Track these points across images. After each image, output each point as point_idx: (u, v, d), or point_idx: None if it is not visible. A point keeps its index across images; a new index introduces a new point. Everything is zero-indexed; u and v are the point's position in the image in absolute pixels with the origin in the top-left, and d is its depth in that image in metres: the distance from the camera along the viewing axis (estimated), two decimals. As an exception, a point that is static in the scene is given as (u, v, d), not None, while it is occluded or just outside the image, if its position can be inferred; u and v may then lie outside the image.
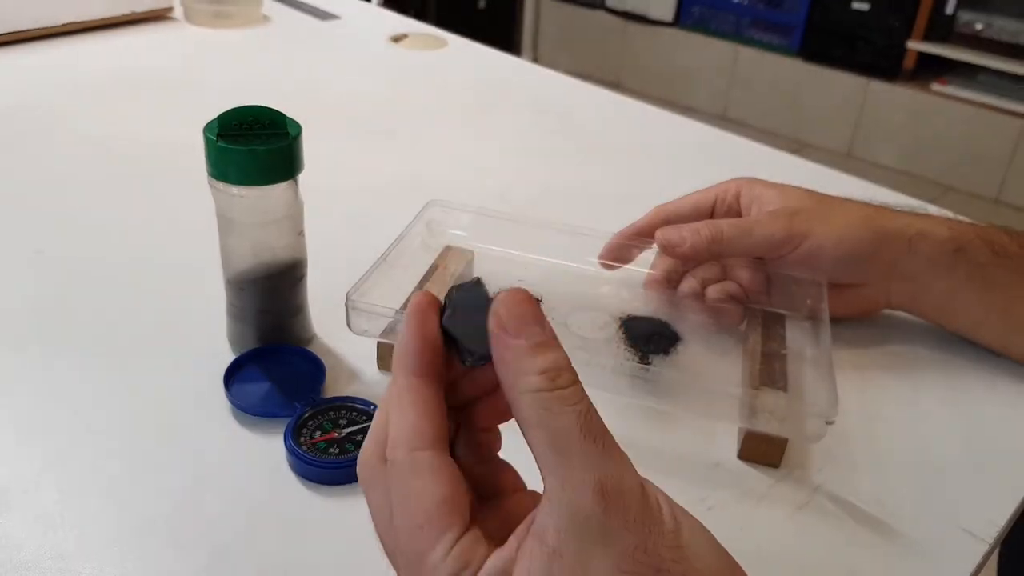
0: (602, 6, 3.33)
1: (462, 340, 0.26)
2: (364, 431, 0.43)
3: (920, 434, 0.48)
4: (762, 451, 0.44)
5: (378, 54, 1.07)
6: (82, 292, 0.55)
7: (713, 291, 0.51)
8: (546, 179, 0.76)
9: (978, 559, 0.40)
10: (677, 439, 0.46)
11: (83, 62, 0.95)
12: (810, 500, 0.42)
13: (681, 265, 0.53)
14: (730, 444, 0.45)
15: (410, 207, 0.55)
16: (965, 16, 2.62)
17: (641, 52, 3.29)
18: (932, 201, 0.66)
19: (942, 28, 2.66)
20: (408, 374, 0.26)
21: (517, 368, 0.24)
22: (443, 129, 0.86)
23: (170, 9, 1.10)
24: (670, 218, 0.53)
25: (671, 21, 3.18)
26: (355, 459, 0.40)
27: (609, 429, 0.24)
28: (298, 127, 0.44)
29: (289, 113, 0.44)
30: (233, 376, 0.46)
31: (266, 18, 1.15)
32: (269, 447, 0.43)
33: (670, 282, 0.53)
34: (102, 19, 1.03)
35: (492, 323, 0.25)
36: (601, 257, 0.54)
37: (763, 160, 0.83)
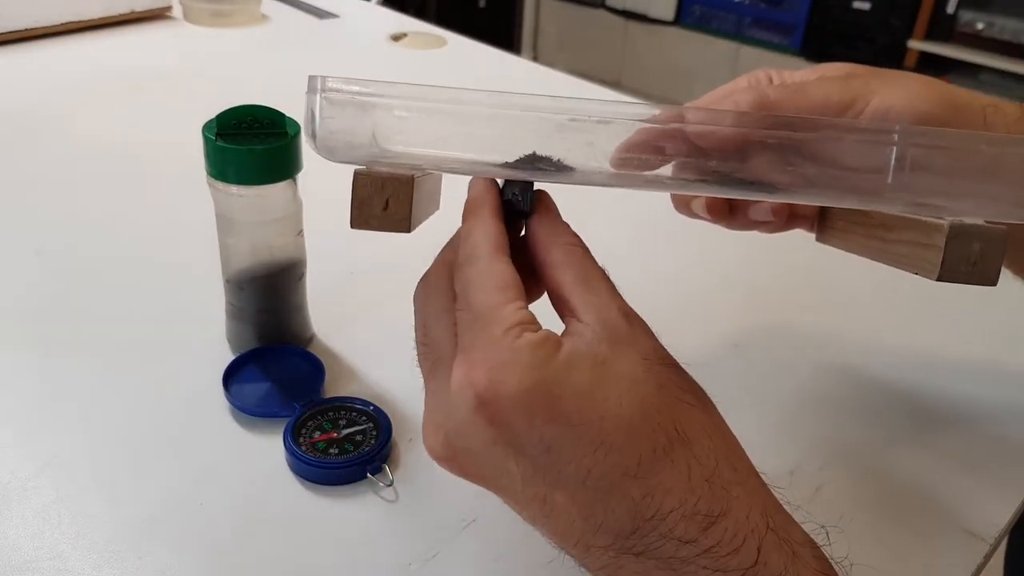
0: (602, 5, 3.33)
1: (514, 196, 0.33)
2: (363, 431, 0.43)
3: (920, 433, 0.47)
4: (973, 258, 0.30)
5: (377, 53, 1.07)
6: (81, 292, 0.55)
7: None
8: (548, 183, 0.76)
9: (979, 559, 0.40)
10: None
11: (82, 61, 0.95)
12: (811, 500, 0.42)
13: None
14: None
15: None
16: (966, 15, 2.62)
17: (642, 51, 3.29)
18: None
19: (943, 27, 2.66)
20: (487, 212, 0.32)
21: (553, 229, 0.32)
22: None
23: (169, 8, 1.10)
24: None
25: (672, 20, 3.18)
26: (354, 459, 0.41)
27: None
28: (297, 126, 0.44)
29: (288, 112, 0.44)
30: (232, 376, 0.46)
31: (265, 17, 1.15)
32: (268, 447, 0.43)
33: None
34: (101, 18, 1.03)
35: (539, 203, 0.33)
36: (616, 163, 0.33)
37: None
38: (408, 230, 0.32)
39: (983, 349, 0.54)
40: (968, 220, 0.30)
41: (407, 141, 0.31)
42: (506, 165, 0.31)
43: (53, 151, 0.74)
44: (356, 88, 0.31)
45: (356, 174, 0.31)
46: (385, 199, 0.31)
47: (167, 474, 0.41)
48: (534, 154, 0.31)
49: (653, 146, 0.33)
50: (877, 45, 2.74)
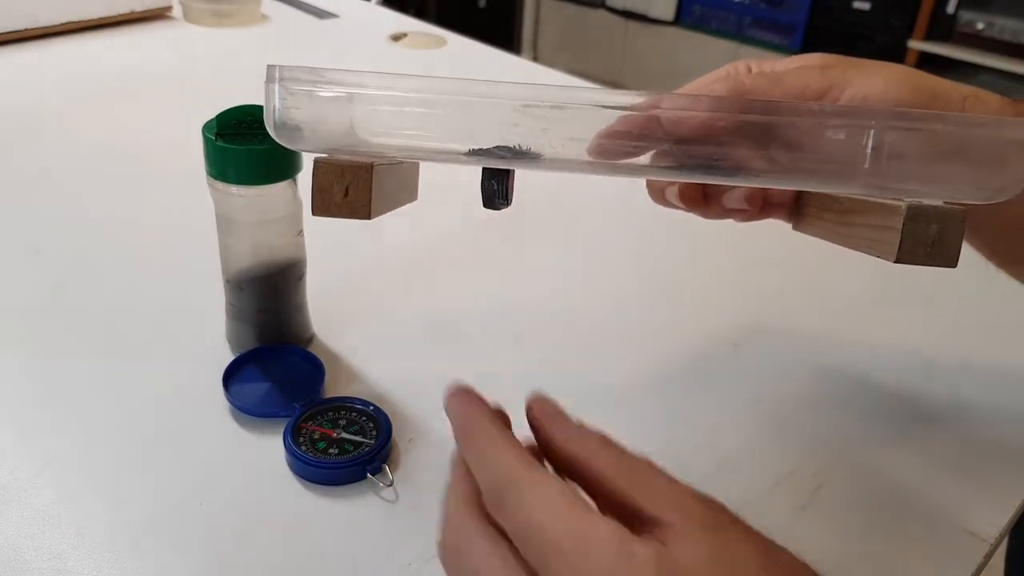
0: (602, 5, 3.33)
1: None
2: (363, 431, 0.43)
3: (920, 434, 0.47)
4: (931, 239, 0.30)
5: (377, 53, 1.07)
6: (81, 292, 0.55)
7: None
8: (545, 180, 0.76)
9: (979, 559, 0.40)
10: (677, 440, 0.46)
11: (82, 61, 0.95)
12: (811, 500, 0.42)
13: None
14: (734, 437, 0.45)
15: (411, 207, 0.55)
16: (966, 15, 2.62)
17: (642, 51, 3.29)
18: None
19: (943, 27, 2.66)
20: (489, 422, 0.29)
21: (581, 437, 0.29)
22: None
23: (169, 8, 1.10)
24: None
25: (672, 20, 3.18)
26: (354, 459, 0.41)
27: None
28: (297, 126, 0.44)
29: (288, 112, 0.44)
30: (232, 376, 0.46)
31: (265, 17, 1.15)
32: (268, 447, 0.43)
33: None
34: (101, 18, 1.03)
35: (543, 415, 0.30)
36: (592, 150, 0.33)
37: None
38: (368, 217, 0.32)
39: (983, 349, 0.54)
40: (927, 201, 0.30)
41: (363, 129, 0.31)
42: (470, 153, 0.30)
43: (53, 151, 0.74)
44: (314, 76, 0.31)
45: (316, 162, 0.31)
46: (345, 187, 0.32)
47: (167, 474, 0.41)
48: (496, 145, 0.31)
49: (629, 133, 0.33)
50: (877, 45, 2.74)
